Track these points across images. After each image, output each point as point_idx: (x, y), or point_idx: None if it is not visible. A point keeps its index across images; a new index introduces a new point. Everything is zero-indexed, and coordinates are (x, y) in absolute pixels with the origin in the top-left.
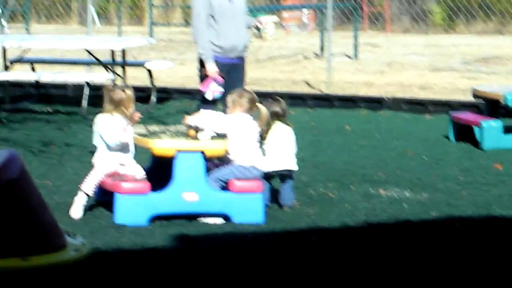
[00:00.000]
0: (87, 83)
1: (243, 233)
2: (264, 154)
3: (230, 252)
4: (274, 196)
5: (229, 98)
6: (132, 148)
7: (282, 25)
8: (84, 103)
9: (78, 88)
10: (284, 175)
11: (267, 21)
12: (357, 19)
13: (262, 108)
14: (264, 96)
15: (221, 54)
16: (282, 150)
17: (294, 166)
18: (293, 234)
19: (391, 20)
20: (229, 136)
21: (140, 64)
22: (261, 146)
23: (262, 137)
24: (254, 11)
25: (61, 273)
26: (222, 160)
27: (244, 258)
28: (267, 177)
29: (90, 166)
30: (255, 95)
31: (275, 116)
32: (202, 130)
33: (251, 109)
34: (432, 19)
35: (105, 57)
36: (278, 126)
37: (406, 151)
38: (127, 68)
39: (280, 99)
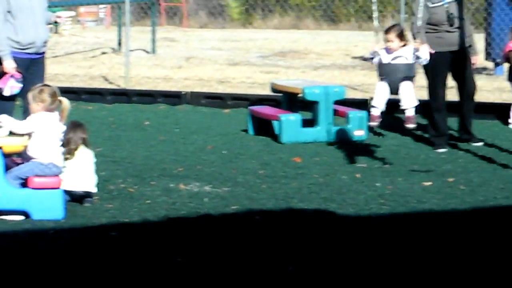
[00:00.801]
0: None
1: (42, 230)
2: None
3: (28, 249)
4: None
5: (30, 94)
6: None
7: (79, 20)
8: None
9: None
10: (83, 196)
11: (64, 16)
12: (154, 14)
13: (64, 101)
14: (62, 92)
15: (20, 50)
16: (82, 172)
17: (93, 188)
18: (93, 230)
19: (189, 15)
20: (32, 135)
21: None
22: (64, 167)
23: (65, 158)
24: (50, 6)
25: None
26: (22, 157)
27: (43, 255)
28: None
29: None
30: (56, 88)
31: (82, 141)
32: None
33: (53, 103)
34: (229, 14)
35: None
36: (82, 150)
37: (206, 146)
38: None
39: (83, 124)
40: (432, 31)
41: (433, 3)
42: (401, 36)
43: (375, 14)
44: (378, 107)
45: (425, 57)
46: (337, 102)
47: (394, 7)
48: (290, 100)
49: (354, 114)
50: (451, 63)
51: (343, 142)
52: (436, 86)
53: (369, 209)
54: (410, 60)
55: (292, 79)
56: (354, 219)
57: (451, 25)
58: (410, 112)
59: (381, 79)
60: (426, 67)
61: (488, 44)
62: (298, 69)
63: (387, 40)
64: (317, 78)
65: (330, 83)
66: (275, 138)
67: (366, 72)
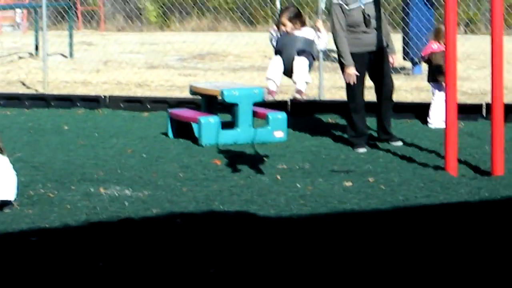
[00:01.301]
0: None
1: None
2: None
3: None
4: None
5: None
6: None
7: None
8: None
9: None
10: (1, 203)
11: None
12: (71, 18)
13: None
14: None
15: None
16: None
17: (11, 196)
18: (13, 236)
19: (106, 18)
20: None
21: None
22: None
23: None
24: None
25: None
26: None
27: None
28: None
29: None
30: None
31: None
32: None
33: None
34: (147, 17)
35: None
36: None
37: (126, 149)
38: None
39: None
40: (349, 33)
41: (348, 5)
42: (295, 18)
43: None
44: (274, 79)
45: (323, 42)
46: (257, 104)
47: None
48: (209, 103)
49: (274, 115)
50: (369, 64)
51: (263, 144)
52: (354, 86)
53: (290, 210)
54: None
55: (211, 81)
56: (275, 220)
57: (368, 26)
58: (300, 85)
59: (276, 53)
60: (343, 68)
61: (406, 44)
62: (216, 71)
63: (281, 24)
64: (236, 80)
65: (249, 85)
66: (195, 140)
67: None
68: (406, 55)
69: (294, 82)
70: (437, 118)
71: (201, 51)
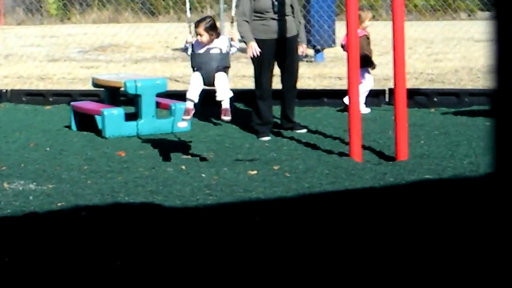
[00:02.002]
0: None
1: None
2: None
3: None
4: None
5: None
6: None
7: None
8: None
9: None
10: None
11: None
12: None
13: None
14: None
15: None
16: None
17: None
18: None
19: (5, 12)
20: None
21: None
22: None
23: None
24: None
25: None
26: None
27: None
28: None
29: None
30: None
31: None
32: None
33: None
34: (47, 9)
35: None
36: None
37: (28, 143)
38: None
39: None
40: (257, 19)
41: None
42: (210, 29)
43: (188, 5)
44: (193, 99)
45: (235, 49)
46: (160, 95)
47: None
48: (112, 95)
49: (177, 106)
50: (277, 51)
51: (167, 135)
52: (261, 73)
53: (196, 200)
54: (224, 52)
55: (113, 73)
56: (181, 210)
57: (277, 13)
58: (225, 104)
59: (195, 70)
60: (252, 54)
61: (307, 31)
62: (119, 63)
63: (197, 34)
64: (139, 71)
65: (151, 76)
66: (99, 133)
67: (187, 64)
68: (308, 42)
69: (219, 101)
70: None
71: (103, 43)
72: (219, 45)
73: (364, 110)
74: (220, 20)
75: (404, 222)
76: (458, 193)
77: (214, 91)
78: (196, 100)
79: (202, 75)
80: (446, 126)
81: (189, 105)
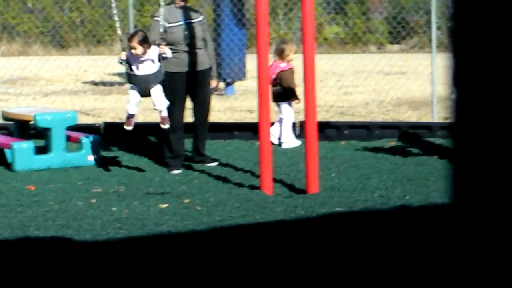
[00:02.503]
0: None
1: None
2: None
3: None
4: None
5: None
6: None
7: None
8: None
9: None
10: None
11: None
12: None
13: None
14: None
15: None
16: None
17: None
18: None
19: None
20: None
21: None
22: None
23: None
24: None
25: None
26: None
27: None
28: None
29: None
30: None
31: None
32: None
33: None
34: None
35: None
36: None
37: None
38: None
39: None
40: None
41: (169, 23)
42: (143, 41)
43: (118, 24)
44: (133, 113)
45: (168, 53)
46: (70, 128)
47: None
48: (22, 128)
49: (87, 139)
50: (189, 84)
51: (77, 168)
52: (173, 106)
53: (106, 234)
54: (157, 62)
55: (23, 106)
56: (92, 244)
57: (189, 45)
58: (164, 113)
59: (132, 88)
60: (164, 86)
61: (218, 65)
62: (28, 96)
63: (131, 48)
64: (49, 104)
65: (61, 109)
66: (8, 166)
67: (97, 97)
68: (218, 75)
69: (156, 110)
70: (289, 138)
71: (12, 76)
72: (152, 56)
73: (296, 142)
74: None
75: (315, 255)
76: (368, 225)
77: (122, 128)
78: (135, 112)
79: (139, 93)
80: (357, 159)
81: (130, 115)
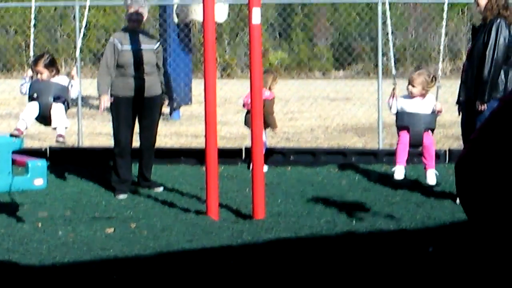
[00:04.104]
0: None
1: None
2: None
3: None
4: None
5: None
6: None
7: None
8: None
9: None
10: None
11: None
12: None
13: None
14: None
15: None
16: None
17: None
18: None
19: None
20: None
21: None
22: None
23: None
24: None
25: None
26: None
27: None
28: None
29: None
30: None
31: None
32: None
33: None
34: None
35: None
36: None
37: None
38: None
39: None
40: (119, 75)
41: (122, 46)
42: (50, 65)
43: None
44: (26, 120)
45: (75, 90)
46: (16, 152)
47: (68, 54)
48: None
49: (34, 163)
50: (137, 109)
51: (23, 192)
52: (119, 131)
53: (53, 258)
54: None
55: None
56: (38, 269)
57: (137, 71)
58: (60, 130)
59: (30, 99)
60: (111, 111)
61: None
62: None
63: (37, 72)
64: None
65: (6, 132)
66: None
67: None
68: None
69: (54, 129)
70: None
71: None
72: (59, 81)
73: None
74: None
75: (261, 280)
76: (315, 251)
77: (68, 152)
78: (28, 125)
79: (39, 103)
80: (303, 185)
81: (20, 125)
